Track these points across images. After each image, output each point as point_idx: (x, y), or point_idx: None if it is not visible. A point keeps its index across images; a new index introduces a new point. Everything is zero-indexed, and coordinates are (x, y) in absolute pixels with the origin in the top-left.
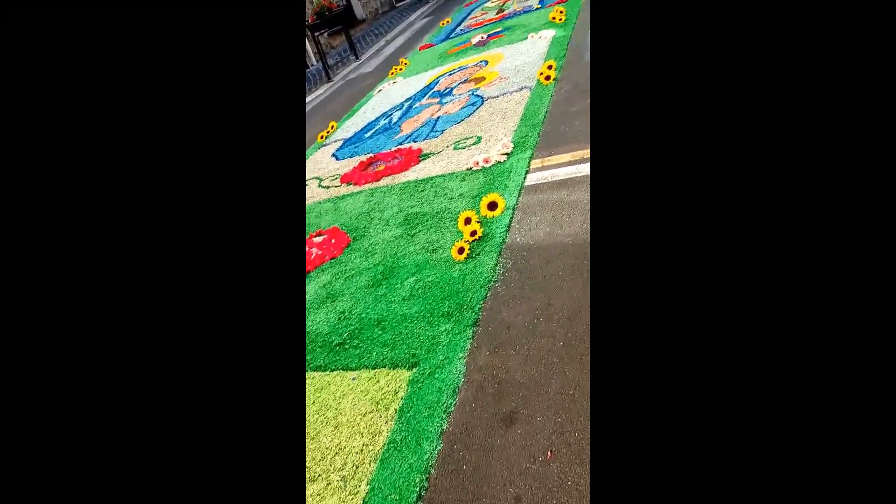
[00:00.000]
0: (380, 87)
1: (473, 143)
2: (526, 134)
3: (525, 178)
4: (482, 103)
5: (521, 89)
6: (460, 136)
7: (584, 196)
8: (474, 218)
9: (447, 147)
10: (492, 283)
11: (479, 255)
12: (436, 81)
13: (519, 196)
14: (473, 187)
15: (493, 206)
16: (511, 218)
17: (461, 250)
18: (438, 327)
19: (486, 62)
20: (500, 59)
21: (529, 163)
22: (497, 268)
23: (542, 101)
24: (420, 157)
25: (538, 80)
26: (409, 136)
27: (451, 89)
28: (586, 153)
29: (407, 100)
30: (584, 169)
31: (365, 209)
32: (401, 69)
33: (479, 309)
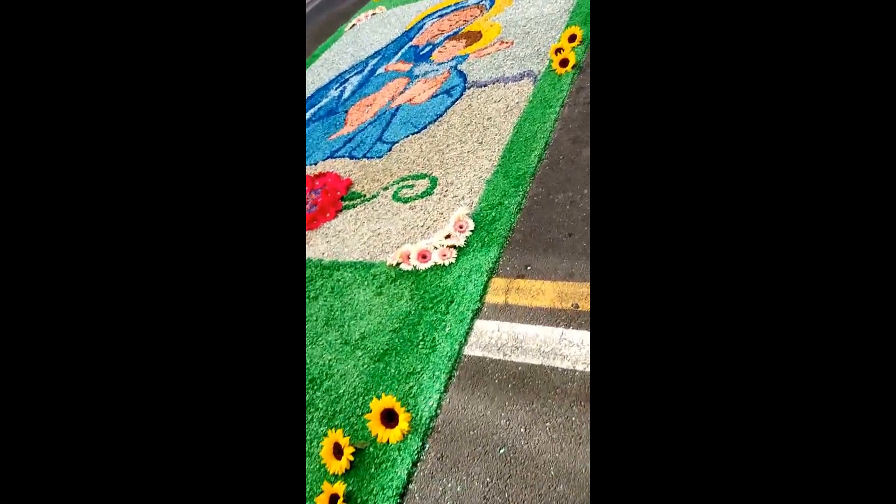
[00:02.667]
0: (354, 20)
1: (422, 193)
2: (501, 198)
3: (471, 326)
4: (461, 93)
5: (522, 78)
6: (412, 164)
7: (568, 445)
8: (346, 450)
9: (387, 185)
10: None
11: None
12: (419, 26)
13: (446, 384)
14: (384, 322)
15: (389, 416)
16: (414, 461)
17: None
18: None
19: (492, 1)
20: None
21: (487, 284)
22: None
23: (545, 114)
24: (343, 199)
25: (549, 65)
26: (349, 139)
27: (433, 47)
28: (584, 290)
29: (374, 55)
30: (577, 350)
31: None
32: None
33: None
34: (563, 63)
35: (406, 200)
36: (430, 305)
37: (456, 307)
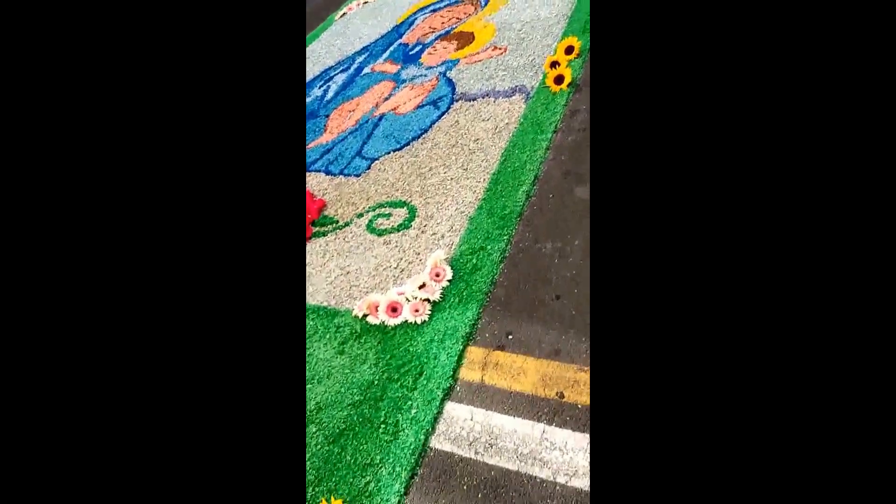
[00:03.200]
0: (346, 7)
1: (399, 226)
2: (484, 241)
3: (440, 410)
4: (449, 105)
5: (514, 93)
6: (391, 188)
7: None
8: None
9: (361, 212)
10: None
11: None
12: (410, 20)
13: (408, 483)
14: (344, 391)
15: None
16: None
17: None
18: None
19: None
20: None
21: (463, 354)
22: None
23: (536, 140)
24: (313, 224)
25: (543, 80)
26: (328, 150)
27: (423, 47)
28: (571, 374)
29: (362, 50)
30: (559, 456)
31: None
32: None
33: None
34: (559, 80)
35: (381, 233)
36: (396, 377)
37: (425, 382)
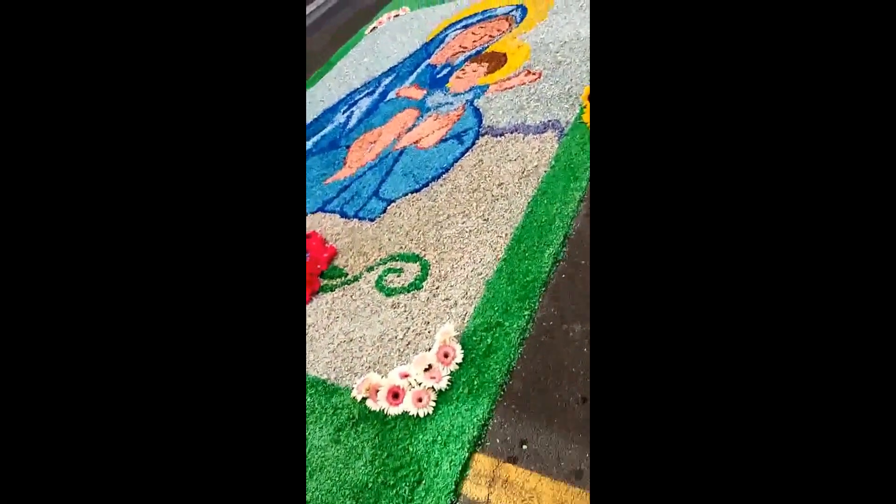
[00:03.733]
0: (375, 22)
1: (409, 286)
2: (502, 314)
3: None
4: (474, 140)
5: (546, 129)
6: (405, 237)
7: None
8: None
9: (372, 266)
10: None
11: None
12: (440, 38)
13: None
14: (335, 490)
15: None
16: None
17: None
18: None
19: (525, 10)
20: (549, 8)
21: (468, 463)
22: None
23: (568, 191)
24: (322, 276)
25: (580, 114)
26: (345, 187)
27: (452, 69)
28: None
29: (389, 71)
30: None
31: None
32: None
33: None
34: None
35: (390, 293)
36: (392, 482)
37: (423, 494)
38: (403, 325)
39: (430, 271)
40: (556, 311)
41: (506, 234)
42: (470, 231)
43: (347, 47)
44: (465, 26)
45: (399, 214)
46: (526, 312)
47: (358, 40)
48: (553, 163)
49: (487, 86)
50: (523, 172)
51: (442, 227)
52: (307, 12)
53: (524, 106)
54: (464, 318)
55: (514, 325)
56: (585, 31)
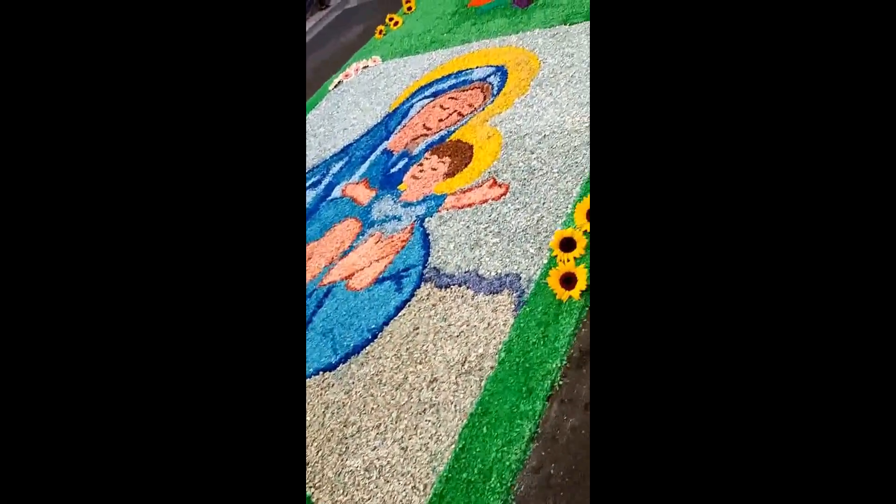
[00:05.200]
0: (342, 75)
1: None
2: None
3: None
4: (413, 289)
5: (503, 288)
6: (306, 446)
7: None
8: None
9: None
10: None
11: None
12: (405, 108)
13: None
14: None
15: None
16: None
17: None
18: None
19: (505, 75)
20: (532, 76)
21: None
22: None
23: (516, 414)
24: None
25: (546, 270)
26: None
27: (409, 161)
28: None
29: (341, 153)
30: None
31: None
32: (394, 24)
33: None
34: (567, 282)
35: None
36: None
37: None
38: None
39: None
40: None
41: (426, 484)
42: (379, 469)
43: (307, 107)
44: (435, 94)
45: (307, 401)
46: None
47: (319, 99)
48: (503, 355)
49: (444, 197)
50: (464, 364)
51: (347, 447)
52: None
53: (480, 240)
54: None
55: None
56: (571, 119)
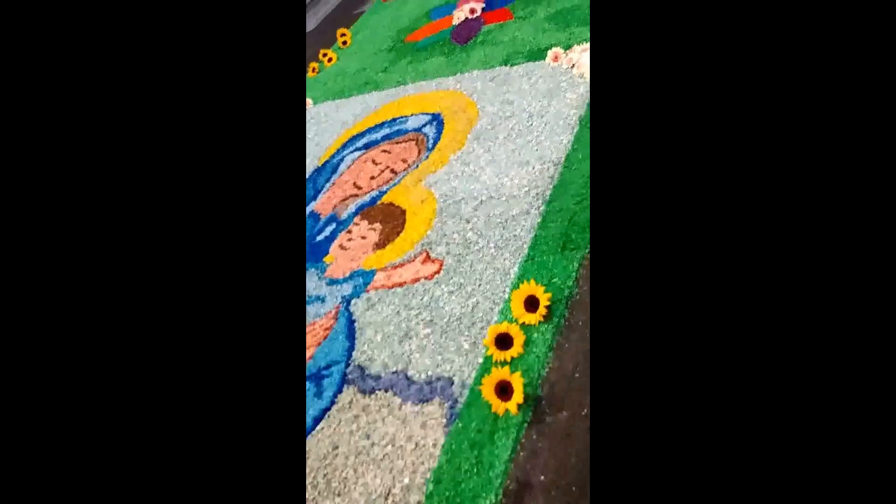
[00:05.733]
0: None
1: None
2: None
3: None
4: (335, 393)
5: (433, 396)
6: None
7: None
8: None
9: None
10: None
11: None
12: (337, 159)
13: None
14: None
15: None
16: None
17: None
18: None
19: (441, 124)
20: (470, 127)
21: None
22: None
23: None
24: None
25: (478, 379)
26: None
27: (338, 227)
28: None
29: None
30: None
31: None
32: (328, 60)
33: None
34: (503, 391)
35: None
36: None
37: None
38: None
39: None
40: None
41: None
42: None
43: None
44: (367, 145)
45: None
46: None
47: None
48: (431, 487)
49: (373, 273)
50: (387, 499)
51: None
52: None
53: (411, 330)
54: None
55: None
56: (510, 182)
